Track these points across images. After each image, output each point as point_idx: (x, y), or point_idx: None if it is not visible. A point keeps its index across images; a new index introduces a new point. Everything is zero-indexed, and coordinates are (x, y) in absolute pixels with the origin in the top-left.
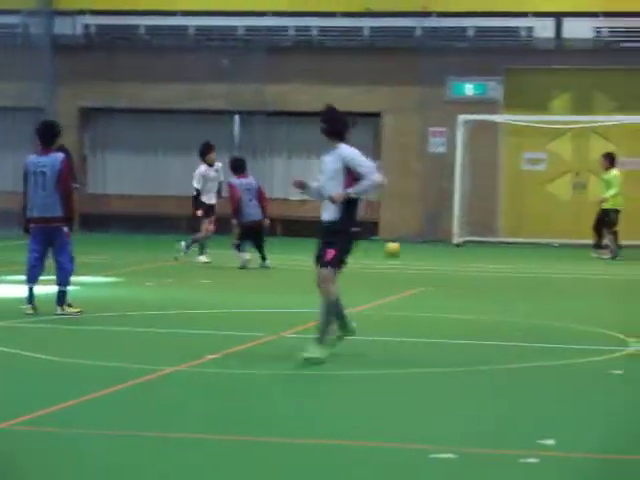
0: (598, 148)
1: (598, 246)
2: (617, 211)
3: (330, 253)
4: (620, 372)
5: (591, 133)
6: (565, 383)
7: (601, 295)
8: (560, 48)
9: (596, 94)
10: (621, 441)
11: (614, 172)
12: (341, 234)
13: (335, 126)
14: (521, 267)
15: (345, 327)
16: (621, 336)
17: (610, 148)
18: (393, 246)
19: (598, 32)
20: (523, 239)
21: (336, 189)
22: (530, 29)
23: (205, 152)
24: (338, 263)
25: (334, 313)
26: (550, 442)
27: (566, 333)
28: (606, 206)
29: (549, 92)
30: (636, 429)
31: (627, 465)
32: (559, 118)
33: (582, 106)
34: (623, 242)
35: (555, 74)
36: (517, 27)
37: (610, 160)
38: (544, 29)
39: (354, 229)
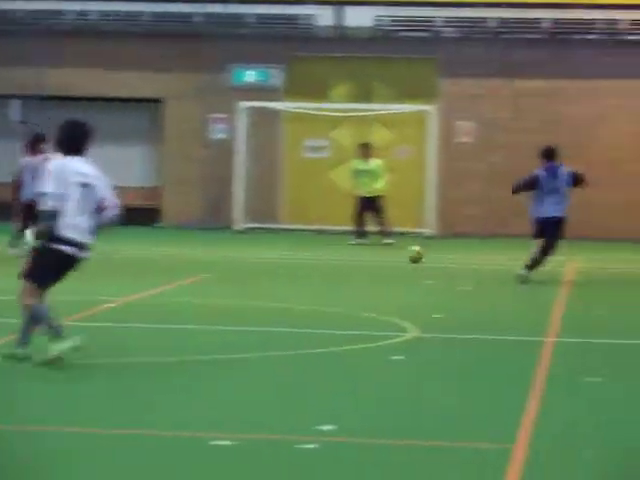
0: (379, 136)
1: (362, 233)
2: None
3: (28, 265)
4: (401, 357)
5: (372, 121)
6: (346, 369)
7: (380, 281)
8: (341, 36)
9: (377, 82)
10: (400, 426)
11: (377, 161)
12: (39, 250)
13: (73, 141)
14: (304, 253)
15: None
16: (401, 322)
17: (390, 136)
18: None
19: (378, 21)
20: (305, 226)
21: None
22: (311, 17)
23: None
24: (36, 278)
25: (41, 323)
26: (329, 427)
27: (347, 319)
28: (373, 194)
29: (330, 80)
30: (415, 414)
31: (403, 450)
32: (340, 106)
33: (363, 94)
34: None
35: (336, 62)
36: (298, 15)
37: (366, 150)
38: (325, 17)
39: (53, 245)
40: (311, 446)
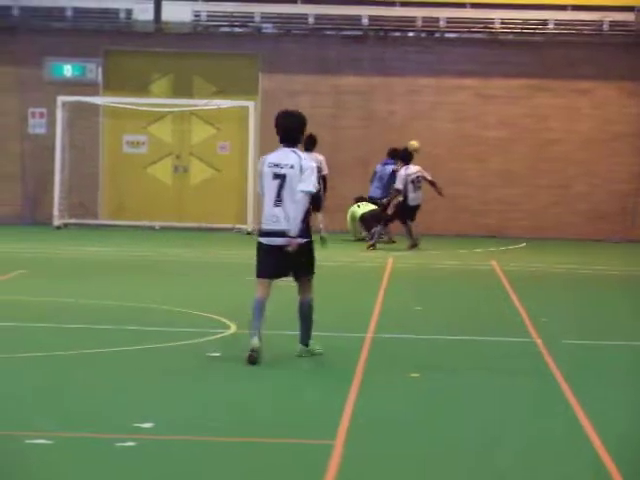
0: (198, 131)
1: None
2: None
3: None
4: (218, 354)
5: (191, 116)
6: (165, 366)
7: (201, 277)
8: (159, 31)
9: (196, 78)
10: (218, 423)
11: None
12: None
13: None
14: (122, 250)
15: None
16: (223, 319)
17: (210, 132)
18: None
19: (197, 16)
20: (125, 222)
21: None
22: (130, 11)
23: None
24: None
25: None
26: (148, 425)
27: (167, 316)
28: None
29: (149, 75)
30: (232, 411)
31: (222, 446)
32: (159, 101)
33: (182, 89)
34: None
35: (155, 57)
36: (117, 9)
37: None
38: (144, 12)
39: None
40: (130, 444)
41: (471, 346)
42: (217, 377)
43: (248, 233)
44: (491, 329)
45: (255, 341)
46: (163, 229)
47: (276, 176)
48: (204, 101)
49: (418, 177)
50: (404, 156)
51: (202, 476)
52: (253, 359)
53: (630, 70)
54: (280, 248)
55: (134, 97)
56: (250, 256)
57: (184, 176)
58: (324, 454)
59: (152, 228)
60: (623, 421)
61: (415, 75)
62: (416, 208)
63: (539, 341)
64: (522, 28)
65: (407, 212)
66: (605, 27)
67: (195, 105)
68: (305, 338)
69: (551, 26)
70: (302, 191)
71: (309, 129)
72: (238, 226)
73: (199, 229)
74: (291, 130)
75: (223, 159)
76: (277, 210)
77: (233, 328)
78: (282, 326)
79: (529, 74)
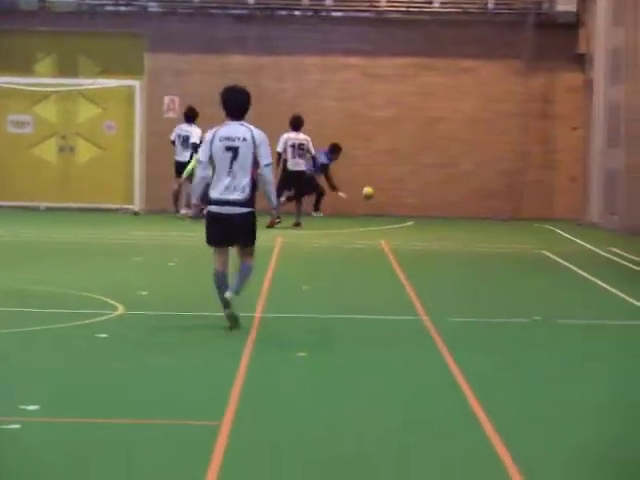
0: (85, 111)
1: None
2: None
3: None
4: (105, 335)
5: (78, 96)
6: (51, 348)
7: (87, 259)
8: (43, 10)
9: (81, 57)
10: (106, 404)
11: None
12: None
13: None
14: (6, 231)
15: None
16: (109, 300)
17: (96, 111)
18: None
19: None
20: (8, 202)
21: None
22: None
23: None
24: None
25: None
26: (33, 407)
27: (53, 297)
28: None
29: (34, 54)
30: (123, 392)
31: (110, 428)
32: (44, 81)
33: (69, 69)
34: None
35: (39, 36)
36: None
37: None
38: None
39: None
40: (15, 426)
41: (358, 324)
42: (104, 358)
43: (135, 213)
44: (379, 308)
45: (227, 311)
46: (49, 210)
47: (228, 149)
48: (90, 80)
49: (301, 145)
50: (292, 122)
51: (85, 458)
52: (232, 324)
53: (514, 49)
54: (230, 216)
55: (18, 77)
56: (138, 237)
57: (70, 156)
58: (210, 435)
59: (37, 209)
60: (503, 388)
61: (302, 54)
62: (296, 176)
63: (426, 318)
64: (408, 7)
65: (287, 179)
66: (490, 6)
67: (80, 85)
68: (238, 289)
69: (437, 5)
70: (267, 165)
71: (198, 107)
72: (125, 206)
73: (86, 209)
74: (239, 105)
75: (109, 139)
76: (228, 180)
77: (121, 309)
78: (175, 307)
79: (415, 53)
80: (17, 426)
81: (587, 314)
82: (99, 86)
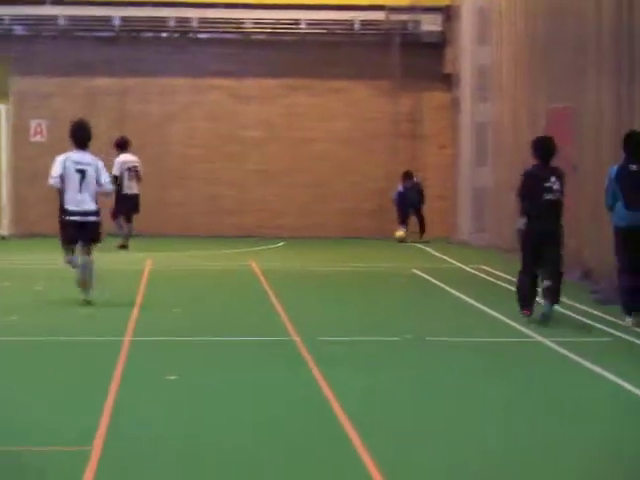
0: None
1: None
2: None
3: None
4: None
5: None
6: None
7: None
8: None
9: None
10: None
11: None
12: None
13: None
14: None
15: None
16: None
17: None
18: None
19: None
20: None
21: None
22: None
23: None
24: None
25: None
26: None
27: None
28: None
29: None
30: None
31: None
32: None
33: None
34: None
35: None
36: None
37: None
38: None
39: None
40: None
41: (229, 346)
42: None
43: (2, 238)
44: (250, 328)
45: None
46: None
47: (78, 171)
48: None
49: (135, 167)
50: (120, 144)
51: None
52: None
53: (382, 69)
54: (82, 223)
55: None
56: (4, 262)
57: None
58: (81, 461)
59: None
60: (367, 399)
61: (169, 75)
62: (132, 198)
63: (297, 339)
64: (274, 28)
65: (123, 202)
66: (356, 27)
67: None
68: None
69: (303, 26)
70: (107, 182)
71: (63, 131)
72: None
73: None
74: (83, 138)
75: None
76: (80, 196)
77: None
78: (35, 332)
79: (283, 74)
80: None
81: (454, 331)
82: None
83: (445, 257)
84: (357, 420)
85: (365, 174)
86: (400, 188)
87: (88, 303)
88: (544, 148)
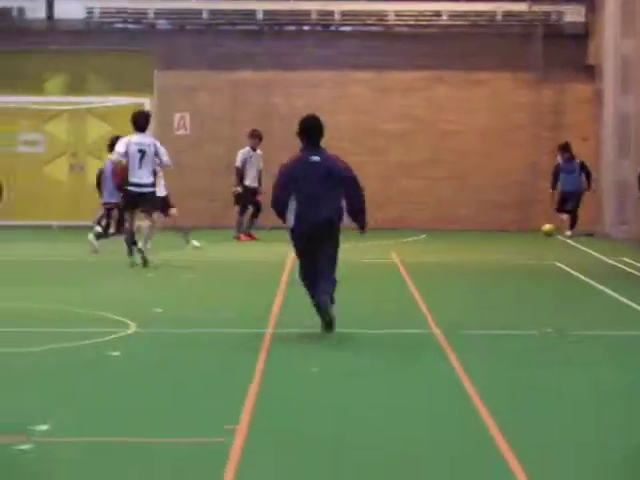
0: (94, 129)
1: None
2: None
3: None
4: (117, 353)
5: (87, 114)
6: (61, 367)
7: (97, 276)
8: (52, 29)
9: (90, 75)
10: (116, 424)
11: None
12: None
13: None
14: (19, 250)
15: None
16: (120, 318)
17: (106, 129)
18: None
19: (90, 12)
20: (20, 222)
21: None
22: (21, 10)
23: None
24: None
25: None
26: (44, 427)
27: (63, 316)
28: None
29: (43, 73)
30: (131, 411)
31: (119, 447)
32: (54, 99)
33: (77, 87)
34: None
35: (49, 55)
36: (9, 7)
37: None
38: (35, 10)
39: None
40: (26, 447)
41: (372, 339)
42: (114, 377)
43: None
44: (391, 321)
45: (133, 258)
46: (61, 228)
47: (139, 151)
48: (99, 98)
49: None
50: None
51: (97, 477)
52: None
53: (524, 60)
54: (140, 193)
55: (28, 96)
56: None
57: (80, 174)
58: (222, 453)
59: (50, 227)
60: (515, 401)
61: (312, 69)
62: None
63: (437, 332)
64: (416, 20)
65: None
66: (499, 18)
67: (90, 102)
68: (144, 245)
69: (445, 17)
70: (167, 160)
71: (206, 124)
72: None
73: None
74: (143, 124)
75: None
76: (140, 171)
77: (133, 327)
78: (179, 325)
79: (425, 66)
80: (27, 446)
81: (600, 325)
82: (109, 104)
83: (587, 250)
84: (500, 417)
85: (507, 166)
86: (559, 160)
87: (139, 251)
88: None
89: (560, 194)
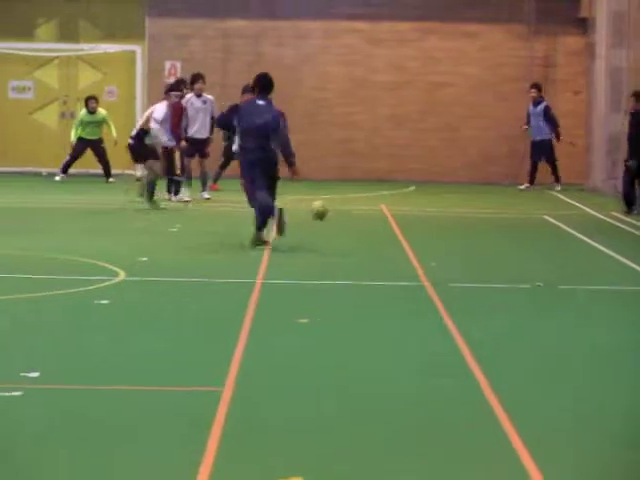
0: (85, 76)
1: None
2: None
3: None
4: (106, 302)
5: (78, 61)
6: (50, 314)
7: (87, 224)
8: None
9: (82, 22)
10: (106, 371)
11: (102, 111)
12: None
13: None
14: (11, 198)
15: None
16: (109, 266)
17: (97, 77)
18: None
19: None
20: (9, 168)
21: None
22: None
23: None
24: None
25: None
26: (35, 374)
27: (50, 263)
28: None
29: (34, 20)
30: (122, 358)
31: (111, 395)
32: (45, 46)
33: (69, 34)
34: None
35: (39, 1)
36: None
37: (93, 103)
38: None
39: None
40: (17, 393)
41: (360, 290)
42: (103, 325)
43: (137, 179)
44: (380, 273)
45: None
46: (50, 175)
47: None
48: (90, 45)
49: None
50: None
51: (88, 425)
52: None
53: (516, 13)
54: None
55: (19, 42)
56: (134, 202)
57: (71, 122)
58: (212, 400)
59: (39, 174)
60: (504, 352)
61: (303, 18)
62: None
63: (427, 284)
64: None
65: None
66: None
67: (81, 50)
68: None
69: None
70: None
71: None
72: (127, 171)
73: (87, 175)
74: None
75: (110, 104)
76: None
77: (122, 275)
78: (167, 273)
79: (418, 17)
80: (18, 393)
81: (588, 279)
82: (100, 51)
83: (576, 204)
84: (488, 368)
85: (497, 119)
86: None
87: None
88: None
89: (531, 143)
